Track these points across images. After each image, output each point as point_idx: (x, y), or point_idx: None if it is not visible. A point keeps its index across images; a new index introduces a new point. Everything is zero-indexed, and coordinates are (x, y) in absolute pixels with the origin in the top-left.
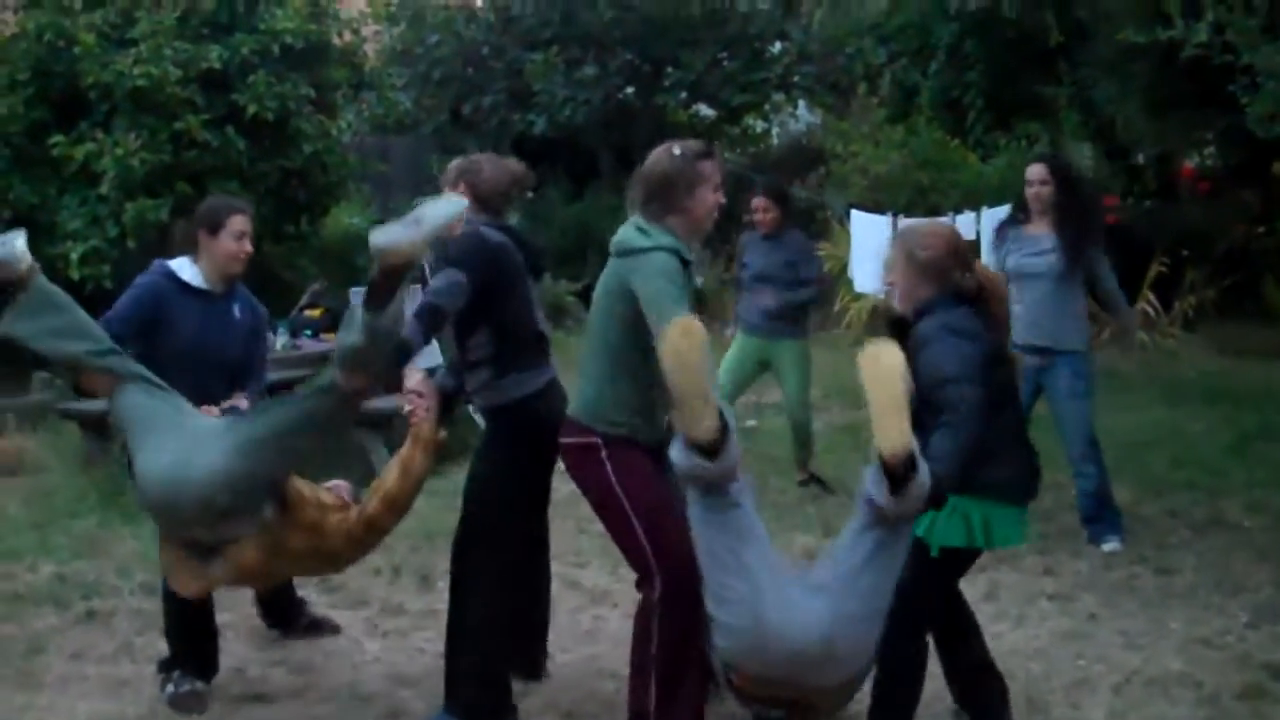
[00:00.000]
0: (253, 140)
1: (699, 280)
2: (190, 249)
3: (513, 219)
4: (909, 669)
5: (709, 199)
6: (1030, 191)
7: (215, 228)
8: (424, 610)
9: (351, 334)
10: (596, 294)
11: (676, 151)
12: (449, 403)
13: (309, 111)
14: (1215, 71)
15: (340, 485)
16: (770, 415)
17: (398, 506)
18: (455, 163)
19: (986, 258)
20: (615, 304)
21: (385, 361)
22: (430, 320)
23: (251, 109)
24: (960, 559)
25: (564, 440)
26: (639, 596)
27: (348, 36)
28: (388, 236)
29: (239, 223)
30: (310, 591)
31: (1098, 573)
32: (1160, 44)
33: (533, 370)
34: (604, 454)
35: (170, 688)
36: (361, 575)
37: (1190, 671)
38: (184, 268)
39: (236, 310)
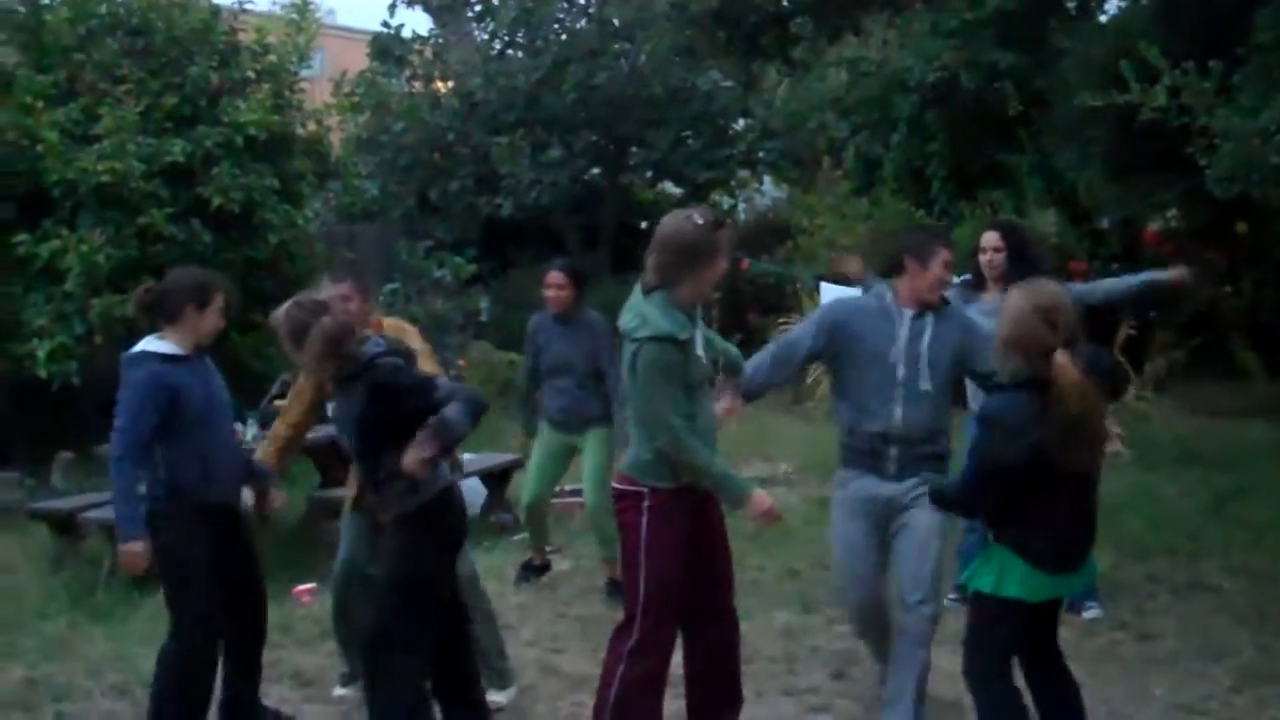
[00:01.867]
0: (218, 232)
1: None
2: (164, 319)
3: (482, 302)
4: (994, 707)
5: (721, 267)
6: (984, 259)
7: (204, 303)
8: None
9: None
10: (624, 370)
11: (699, 221)
12: None
13: (274, 202)
14: (1173, 134)
15: (305, 591)
16: None
17: None
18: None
19: None
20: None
21: None
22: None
23: (216, 201)
24: (1008, 606)
25: (615, 486)
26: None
27: (312, 127)
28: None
29: (222, 299)
30: (284, 686)
31: (1079, 640)
32: (1118, 108)
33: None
34: (646, 503)
35: None
36: (335, 669)
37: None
38: (158, 344)
39: (209, 363)
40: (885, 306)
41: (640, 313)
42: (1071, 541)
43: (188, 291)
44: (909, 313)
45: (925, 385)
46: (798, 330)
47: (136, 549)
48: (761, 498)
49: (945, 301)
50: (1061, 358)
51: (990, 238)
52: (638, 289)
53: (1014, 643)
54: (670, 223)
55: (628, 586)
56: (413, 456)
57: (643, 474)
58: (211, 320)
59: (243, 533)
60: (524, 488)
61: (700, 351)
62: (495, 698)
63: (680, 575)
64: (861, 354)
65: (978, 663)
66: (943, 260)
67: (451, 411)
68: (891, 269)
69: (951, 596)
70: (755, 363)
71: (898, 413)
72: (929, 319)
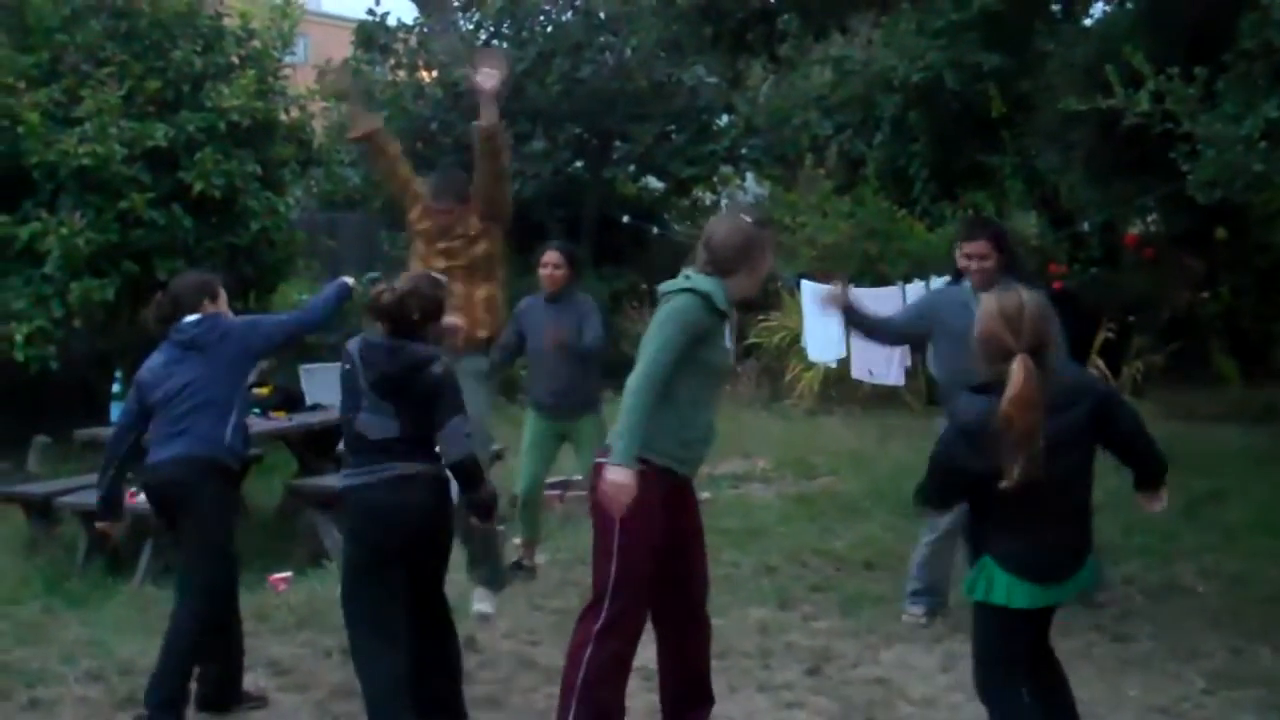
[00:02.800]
0: (199, 218)
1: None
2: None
3: None
4: (1006, 716)
5: (769, 263)
6: (971, 266)
7: (215, 296)
8: None
9: None
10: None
11: (750, 220)
12: None
13: (256, 189)
14: (1156, 139)
15: (281, 579)
16: (724, 487)
17: None
18: None
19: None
20: None
21: None
22: None
23: (198, 186)
24: (1001, 615)
25: (597, 460)
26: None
27: (295, 113)
28: None
29: (224, 292)
30: (258, 675)
31: (1054, 641)
32: (1101, 113)
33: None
34: None
35: None
36: (312, 657)
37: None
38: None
39: None
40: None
41: (688, 276)
42: (1051, 550)
43: (197, 289)
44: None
45: None
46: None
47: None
48: (626, 474)
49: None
50: (1019, 364)
51: (980, 246)
52: (683, 272)
53: (1015, 651)
54: (723, 223)
55: (597, 566)
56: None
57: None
58: (223, 311)
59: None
60: (519, 478)
61: (728, 344)
62: (480, 606)
63: (651, 558)
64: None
65: (980, 673)
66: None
67: None
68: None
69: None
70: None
71: None
72: None
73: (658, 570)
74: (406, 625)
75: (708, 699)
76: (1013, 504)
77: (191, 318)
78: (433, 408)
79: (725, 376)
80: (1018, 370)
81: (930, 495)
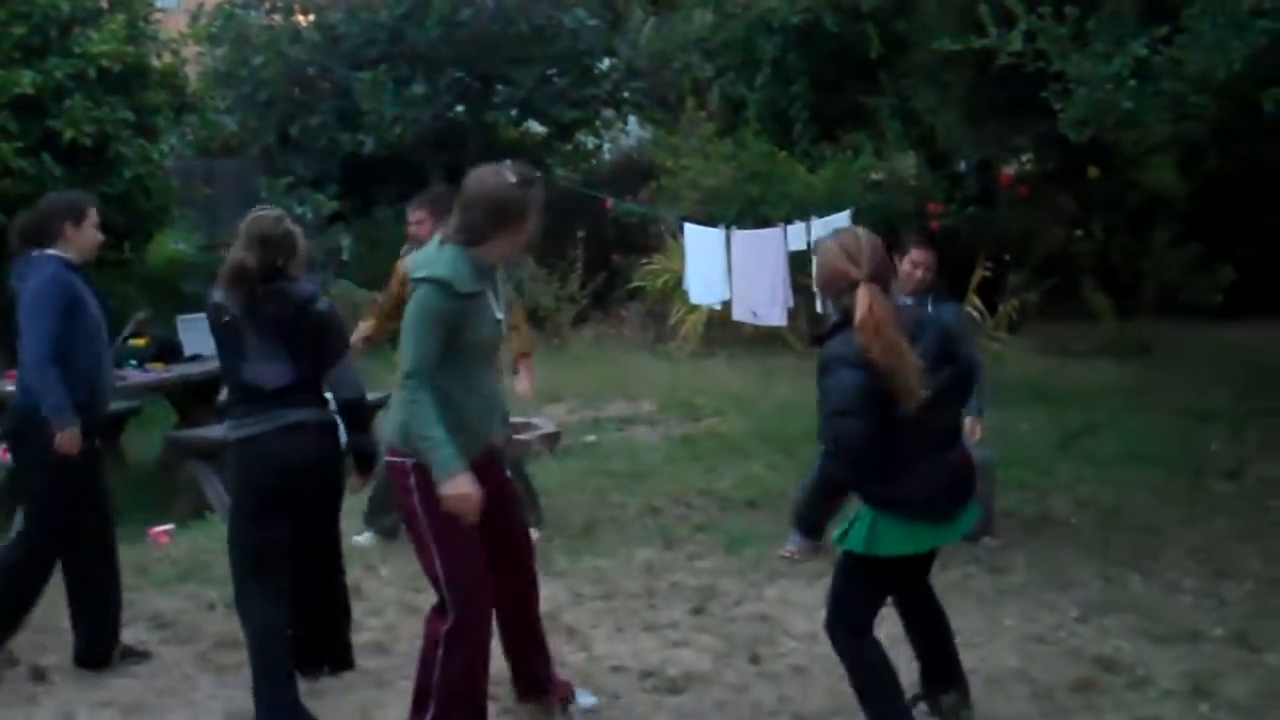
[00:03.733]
0: (70, 166)
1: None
2: (46, 242)
3: (344, 240)
4: (860, 663)
5: (532, 226)
6: (916, 274)
7: (80, 218)
8: None
9: None
10: None
11: (512, 178)
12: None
13: (129, 136)
14: (1029, 79)
15: (162, 532)
16: (610, 429)
17: None
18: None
19: None
20: None
21: None
22: None
23: (68, 134)
24: (873, 563)
25: (386, 459)
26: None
27: (167, 58)
28: None
29: (95, 214)
30: (140, 629)
31: (933, 574)
32: (975, 53)
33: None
34: (411, 479)
35: None
36: (195, 610)
37: (1025, 668)
38: (63, 254)
39: (93, 281)
40: None
41: (427, 259)
42: (937, 487)
43: (60, 211)
44: None
45: None
46: None
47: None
48: (461, 483)
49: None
50: (864, 289)
51: (923, 255)
52: (435, 240)
53: (880, 599)
54: (480, 178)
55: (425, 566)
56: None
57: (405, 442)
58: (90, 235)
59: (100, 460)
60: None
61: (498, 314)
62: (359, 539)
63: (473, 542)
64: None
65: (843, 619)
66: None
67: None
68: None
69: None
70: None
71: None
72: None
73: (483, 544)
74: (292, 574)
75: (545, 657)
76: (890, 445)
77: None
78: (322, 344)
79: (494, 348)
80: (863, 294)
81: (836, 446)
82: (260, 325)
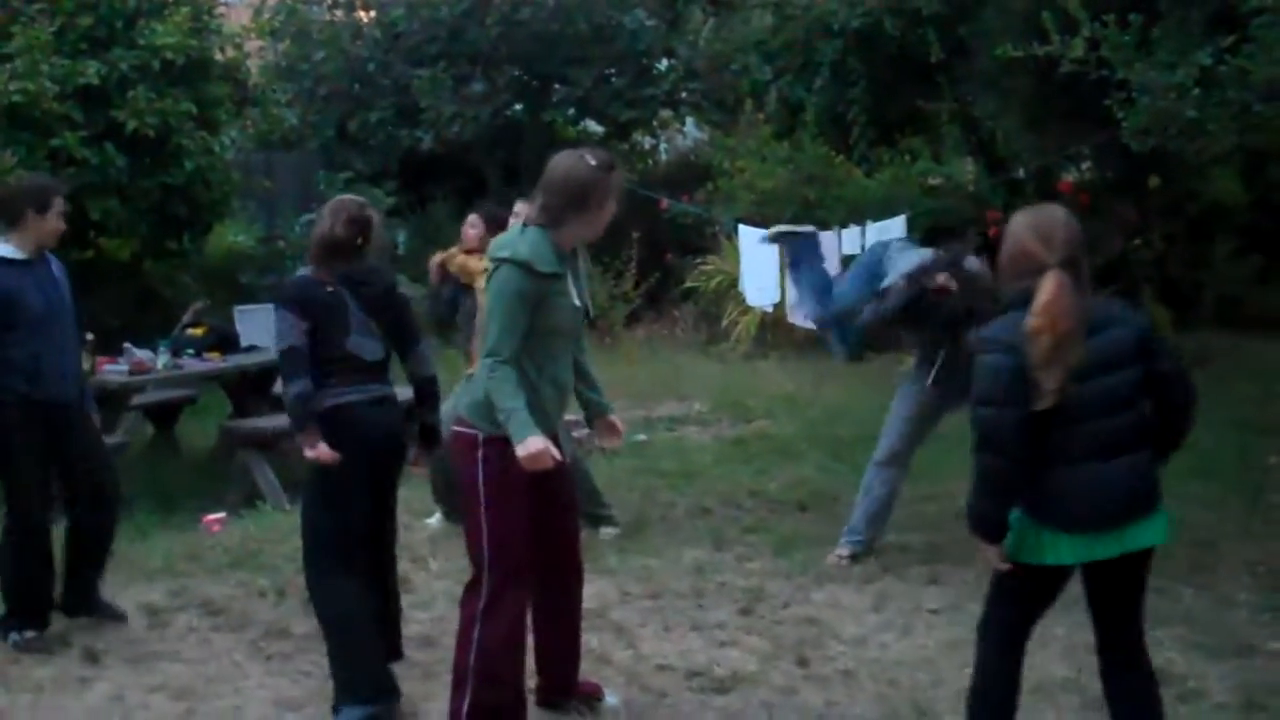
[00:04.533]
0: (133, 157)
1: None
2: (8, 226)
3: (400, 235)
4: (991, 681)
5: (610, 210)
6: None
7: (44, 207)
8: (309, 633)
9: None
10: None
11: (592, 161)
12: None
13: (191, 128)
14: (1091, 86)
15: (215, 520)
16: (660, 429)
17: None
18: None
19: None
20: None
21: None
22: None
23: (131, 125)
24: (1029, 574)
25: (453, 428)
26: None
27: (230, 52)
28: None
29: (61, 203)
30: (191, 615)
31: (983, 581)
32: (1037, 59)
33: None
34: (480, 452)
35: (14, 636)
36: (246, 598)
37: (1074, 677)
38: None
39: (54, 269)
40: None
41: (509, 241)
42: (1103, 498)
43: (26, 196)
44: None
45: None
46: None
47: None
48: (537, 442)
49: None
50: (1052, 276)
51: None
52: (516, 226)
53: (1029, 614)
54: (561, 162)
55: (470, 541)
56: None
57: (478, 416)
58: (52, 224)
59: (84, 431)
60: None
61: (575, 300)
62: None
63: (524, 525)
64: None
65: (987, 633)
66: None
67: None
68: None
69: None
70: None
71: None
72: None
73: (534, 533)
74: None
75: (577, 660)
76: (1056, 438)
77: None
78: (403, 324)
79: (573, 335)
80: (1049, 281)
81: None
82: (360, 300)
